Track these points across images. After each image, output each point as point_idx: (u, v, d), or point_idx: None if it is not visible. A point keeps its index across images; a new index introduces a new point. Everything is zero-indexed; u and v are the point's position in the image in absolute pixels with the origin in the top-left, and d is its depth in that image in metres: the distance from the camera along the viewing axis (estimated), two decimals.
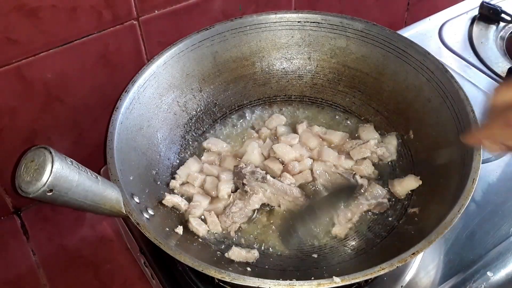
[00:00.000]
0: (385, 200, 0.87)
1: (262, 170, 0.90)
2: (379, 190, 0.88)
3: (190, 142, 0.98)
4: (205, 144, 0.98)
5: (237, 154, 0.97)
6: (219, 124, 1.03)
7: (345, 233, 0.84)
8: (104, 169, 0.99)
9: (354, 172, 0.90)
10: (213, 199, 0.89)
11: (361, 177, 0.91)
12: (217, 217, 0.86)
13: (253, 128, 1.02)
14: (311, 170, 0.92)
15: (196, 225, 0.83)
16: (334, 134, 0.98)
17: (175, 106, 0.96)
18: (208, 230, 0.85)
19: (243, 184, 0.87)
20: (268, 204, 0.89)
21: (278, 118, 1.03)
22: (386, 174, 0.94)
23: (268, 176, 0.88)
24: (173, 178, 0.91)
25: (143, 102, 0.89)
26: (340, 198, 0.87)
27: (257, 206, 0.87)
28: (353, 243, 0.84)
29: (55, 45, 0.86)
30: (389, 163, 0.95)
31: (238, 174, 0.89)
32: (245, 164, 0.91)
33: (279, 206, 0.88)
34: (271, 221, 0.87)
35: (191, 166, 0.93)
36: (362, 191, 0.88)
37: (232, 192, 0.89)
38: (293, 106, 1.07)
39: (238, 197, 0.87)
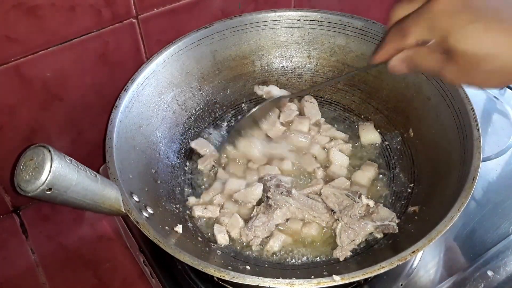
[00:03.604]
0: (393, 223, 0.81)
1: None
2: (386, 213, 0.84)
3: (190, 141, 0.98)
4: (192, 144, 0.97)
5: (234, 157, 0.96)
6: (219, 123, 1.02)
7: (347, 255, 0.80)
8: (103, 168, 0.99)
9: (359, 192, 0.86)
10: (240, 206, 0.89)
11: (367, 197, 0.86)
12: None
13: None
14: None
15: (216, 231, 0.84)
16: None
17: (174, 105, 0.96)
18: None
19: (268, 198, 0.85)
20: None
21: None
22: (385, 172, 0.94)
23: (294, 190, 0.86)
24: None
25: (142, 100, 0.89)
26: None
27: (280, 221, 0.85)
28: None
29: (54, 43, 0.86)
30: (389, 161, 0.95)
31: (262, 187, 0.88)
32: (270, 177, 0.89)
33: (303, 220, 0.86)
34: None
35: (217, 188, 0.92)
36: (370, 212, 0.84)
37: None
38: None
39: (261, 211, 0.85)
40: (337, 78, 1.03)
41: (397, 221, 0.82)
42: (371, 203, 0.84)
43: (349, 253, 0.80)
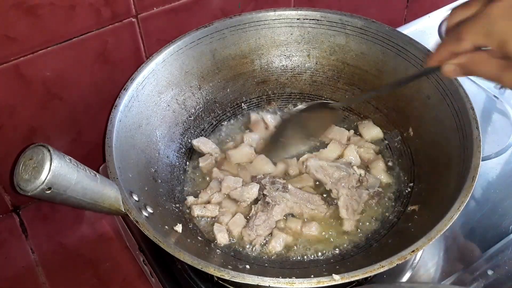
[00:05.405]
0: (380, 189, 0.89)
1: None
2: (374, 179, 0.90)
3: (189, 140, 0.98)
4: (194, 142, 0.97)
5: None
6: (218, 122, 1.02)
7: (355, 225, 0.85)
8: (103, 167, 0.99)
9: (351, 163, 0.90)
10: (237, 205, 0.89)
11: (358, 167, 0.92)
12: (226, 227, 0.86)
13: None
14: (305, 167, 0.92)
15: (215, 231, 0.84)
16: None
17: (174, 104, 0.96)
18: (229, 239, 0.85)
19: (264, 195, 0.86)
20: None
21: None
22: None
23: (289, 185, 0.87)
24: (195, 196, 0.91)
25: (142, 100, 0.89)
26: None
27: (280, 217, 0.85)
28: (353, 240, 0.84)
29: (54, 42, 0.86)
30: (389, 160, 0.95)
31: (258, 186, 0.88)
32: (263, 175, 0.90)
33: (302, 214, 0.87)
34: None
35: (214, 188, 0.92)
36: (361, 181, 0.89)
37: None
38: (293, 104, 1.06)
39: (260, 209, 0.85)
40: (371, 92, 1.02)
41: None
42: (363, 172, 0.89)
43: (356, 223, 0.85)
